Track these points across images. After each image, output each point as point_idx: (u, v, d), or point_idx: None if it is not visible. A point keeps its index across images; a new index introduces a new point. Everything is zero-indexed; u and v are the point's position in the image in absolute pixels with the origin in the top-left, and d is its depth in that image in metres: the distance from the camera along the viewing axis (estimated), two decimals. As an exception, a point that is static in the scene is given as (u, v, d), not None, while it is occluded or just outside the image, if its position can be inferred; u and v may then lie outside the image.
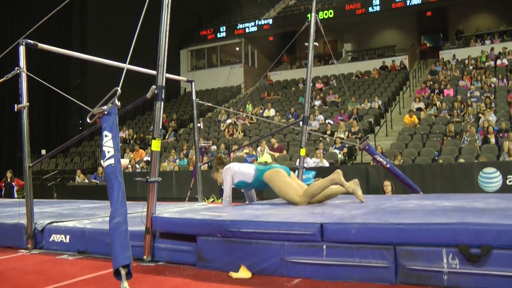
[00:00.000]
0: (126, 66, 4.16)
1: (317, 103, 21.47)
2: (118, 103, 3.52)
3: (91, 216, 5.55)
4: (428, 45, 30.63)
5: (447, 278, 2.97)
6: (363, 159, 15.38)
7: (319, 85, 24.50)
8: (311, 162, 14.40)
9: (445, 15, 29.66)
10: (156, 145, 4.08)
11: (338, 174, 4.94)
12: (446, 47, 27.33)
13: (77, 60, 22.91)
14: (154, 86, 4.02)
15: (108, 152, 3.34)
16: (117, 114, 3.56)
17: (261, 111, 22.27)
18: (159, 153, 4.13)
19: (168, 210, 5.50)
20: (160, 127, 4.17)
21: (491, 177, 11.93)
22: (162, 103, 4.13)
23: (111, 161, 3.30)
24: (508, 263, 2.86)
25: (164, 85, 4.14)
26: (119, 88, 3.45)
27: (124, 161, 17.35)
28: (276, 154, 16.41)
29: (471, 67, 22.40)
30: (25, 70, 4.94)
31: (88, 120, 3.52)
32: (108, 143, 3.37)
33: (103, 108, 3.52)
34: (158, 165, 4.15)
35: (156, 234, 4.08)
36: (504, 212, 3.67)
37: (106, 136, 3.42)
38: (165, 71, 4.18)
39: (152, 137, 4.09)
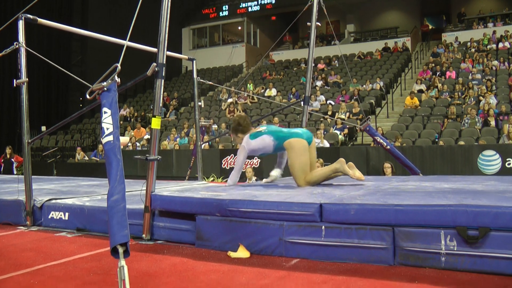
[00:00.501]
0: (126, 43, 4.12)
1: (319, 83, 21.39)
2: (118, 80, 3.48)
3: (90, 193, 5.55)
4: (430, 27, 30.41)
5: (445, 259, 2.98)
6: (363, 140, 15.36)
7: (321, 66, 24.39)
8: (311, 142, 14.37)
9: (448, -4, 29.50)
10: (156, 123, 4.05)
11: (341, 163, 4.92)
12: (449, 29, 27.15)
13: (78, 36, 22.75)
14: (154, 64, 3.98)
15: (107, 128, 3.31)
16: (116, 91, 3.52)
17: (262, 90, 22.21)
18: (160, 131, 4.11)
19: (168, 189, 5.50)
20: (161, 105, 4.13)
21: (491, 160, 11.93)
22: (163, 81, 4.09)
23: (110, 137, 3.27)
24: (506, 245, 2.86)
25: (164, 62, 4.10)
26: (118, 65, 3.41)
27: (124, 139, 17.35)
28: (277, 134, 16.38)
29: (473, 50, 22.30)
30: (24, 45, 4.90)
31: (88, 96, 3.49)
32: (107, 120, 3.34)
33: (103, 84, 3.48)
34: (158, 144, 4.13)
35: (155, 212, 4.07)
36: (502, 195, 3.68)
37: (105, 112, 3.38)
38: (165, 48, 4.14)
39: (152, 115, 4.06)
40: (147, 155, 3.99)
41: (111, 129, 3.30)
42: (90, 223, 4.45)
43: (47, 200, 4.86)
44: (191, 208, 3.82)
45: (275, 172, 5.63)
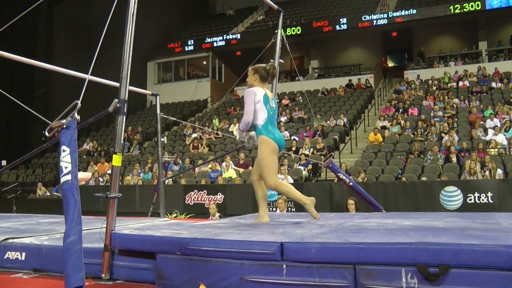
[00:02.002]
0: (88, 77, 4.10)
1: (283, 119, 21.58)
2: (78, 117, 3.46)
3: (49, 231, 5.41)
4: (390, 64, 31.13)
5: (406, 297, 2.99)
6: (327, 176, 15.49)
7: (285, 101, 24.65)
8: (275, 178, 14.41)
9: (410, 36, 30.36)
10: (117, 160, 4.02)
11: (311, 203, 4.91)
12: (411, 67, 27.88)
13: (42, 68, 22.47)
14: (116, 100, 3.96)
15: (66, 167, 3.27)
16: (76, 128, 3.49)
17: (227, 125, 22.28)
18: (123, 166, 4.07)
19: (129, 226, 5.42)
20: (122, 141, 4.10)
21: (452, 196, 12.16)
22: (124, 117, 4.08)
23: (68, 177, 3.23)
24: (465, 282, 2.89)
25: (126, 98, 4.08)
26: (79, 102, 3.39)
27: (87, 174, 17.12)
28: (241, 170, 16.42)
29: (434, 88, 22.91)
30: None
31: (47, 134, 3.45)
32: (65, 158, 3.30)
33: (62, 121, 3.45)
34: (119, 180, 4.09)
35: (115, 251, 4.01)
36: (462, 232, 3.73)
37: (64, 151, 3.34)
38: (128, 84, 4.13)
39: (113, 152, 4.03)
40: (108, 192, 3.94)
41: (69, 168, 3.26)
42: (48, 263, 4.32)
43: (3, 240, 4.73)
44: (151, 246, 3.77)
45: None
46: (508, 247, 2.84)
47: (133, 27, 4.09)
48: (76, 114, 3.43)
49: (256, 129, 4.99)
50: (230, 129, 5.04)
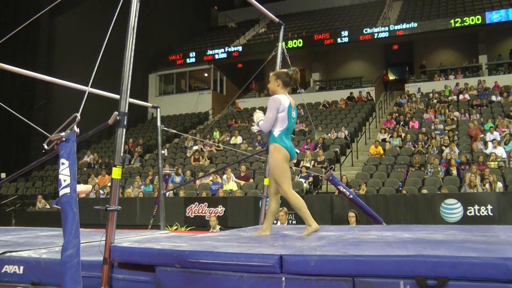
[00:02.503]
0: (88, 89, 4.11)
1: (254, 128, 21.53)
2: (77, 130, 3.47)
3: (48, 245, 5.39)
4: (390, 77, 31.21)
5: (405, 309, 3.00)
6: (328, 189, 15.49)
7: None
8: (276, 190, 14.41)
9: (411, 49, 30.48)
10: (116, 172, 4.02)
11: (315, 229, 4.85)
12: (412, 80, 27.97)
13: (42, 80, 22.49)
14: (116, 112, 3.98)
15: (64, 180, 3.27)
16: (75, 141, 3.50)
17: (228, 138, 22.30)
18: (124, 179, 4.08)
19: (129, 239, 5.42)
20: (122, 154, 4.11)
21: (453, 208, 12.17)
22: (124, 130, 4.09)
23: (67, 190, 3.24)
24: (464, 294, 2.90)
25: (126, 111, 4.09)
26: (78, 115, 3.41)
27: (87, 187, 17.12)
28: (242, 182, 16.43)
29: (435, 101, 22.96)
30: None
31: (46, 147, 3.46)
32: (64, 171, 3.31)
33: (61, 134, 3.46)
34: (119, 193, 4.10)
35: (114, 264, 4.00)
36: (461, 244, 3.74)
37: (62, 164, 3.35)
38: (128, 96, 4.14)
39: (113, 165, 4.04)
40: (107, 205, 3.95)
41: (68, 181, 3.27)
42: (47, 277, 4.31)
43: (1, 254, 4.71)
44: (150, 259, 3.77)
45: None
46: (506, 259, 2.85)
47: (134, 40, 4.11)
48: (75, 127, 3.45)
49: (271, 135, 4.94)
50: (255, 114, 4.96)
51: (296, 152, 17.72)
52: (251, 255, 3.44)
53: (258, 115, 5.10)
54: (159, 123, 7.80)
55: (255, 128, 5.12)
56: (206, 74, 31.91)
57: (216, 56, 30.53)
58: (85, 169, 22.01)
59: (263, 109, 22.90)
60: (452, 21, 25.86)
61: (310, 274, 3.24)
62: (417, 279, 2.99)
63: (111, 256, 3.94)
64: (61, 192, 3.25)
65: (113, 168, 4.01)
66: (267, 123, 4.89)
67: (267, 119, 4.89)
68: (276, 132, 4.90)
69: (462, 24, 25.58)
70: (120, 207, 3.99)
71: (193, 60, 31.24)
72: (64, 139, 3.47)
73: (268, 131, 4.93)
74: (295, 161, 16.80)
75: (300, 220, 5.09)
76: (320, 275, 3.22)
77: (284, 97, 4.92)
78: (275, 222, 12.46)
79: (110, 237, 3.97)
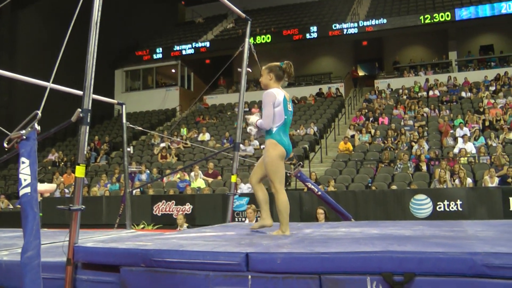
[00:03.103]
0: (49, 85, 4.05)
1: (250, 128, 21.58)
2: (38, 128, 3.42)
3: (10, 246, 5.30)
4: (359, 74, 31.44)
5: (371, 306, 3.04)
6: (297, 186, 15.56)
7: (255, 110, 24.68)
8: (245, 188, 14.47)
9: (380, 45, 30.72)
10: (80, 171, 3.98)
11: (285, 231, 4.81)
12: (381, 76, 28.24)
13: (4, 77, 22.05)
14: (79, 109, 3.93)
15: (25, 180, 3.22)
16: (36, 139, 3.45)
17: (195, 135, 22.23)
18: (89, 178, 4.04)
19: (94, 239, 5.37)
20: (86, 152, 4.07)
21: (422, 204, 12.34)
22: (88, 127, 4.04)
23: (27, 189, 3.19)
24: (431, 289, 2.96)
25: (90, 108, 4.05)
26: (39, 112, 3.36)
27: (51, 186, 16.88)
28: (210, 180, 16.41)
29: (404, 97, 23.24)
30: None
31: (5, 145, 3.40)
32: (24, 170, 3.25)
33: (21, 132, 3.40)
34: (83, 192, 4.05)
35: (78, 265, 3.97)
36: (429, 240, 3.80)
37: (23, 162, 3.29)
38: (91, 93, 4.09)
39: (76, 163, 3.99)
40: (71, 205, 3.91)
41: (28, 180, 3.22)
42: (8, 279, 4.23)
43: (-40, 256, 4.63)
44: (115, 259, 3.75)
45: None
46: (472, 254, 2.91)
47: (97, 35, 4.07)
48: (36, 125, 3.40)
49: (268, 130, 4.85)
50: (248, 118, 4.85)
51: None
52: (217, 254, 3.45)
53: (252, 119, 4.97)
54: (124, 120, 7.72)
55: (253, 131, 5.00)
56: (173, 70, 31.72)
57: (184, 52, 30.35)
58: (49, 167, 21.69)
59: (231, 106, 22.95)
60: (421, 17, 26.19)
61: (277, 272, 3.26)
62: (384, 275, 3.03)
63: (74, 257, 3.90)
64: (21, 192, 3.20)
65: (77, 167, 3.96)
66: (267, 120, 4.80)
67: (266, 115, 4.79)
68: (274, 128, 4.82)
69: (432, 21, 25.92)
70: (84, 207, 3.95)
71: (160, 56, 31.03)
72: (24, 137, 3.42)
73: (269, 128, 4.82)
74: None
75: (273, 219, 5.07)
76: (286, 273, 3.24)
77: (278, 91, 4.86)
78: (243, 219, 12.50)
79: (74, 237, 3.93)
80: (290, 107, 4.96)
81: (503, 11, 24.89)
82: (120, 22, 27.32)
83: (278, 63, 4.97)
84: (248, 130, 5.03)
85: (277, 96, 4.80)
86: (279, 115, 4.81)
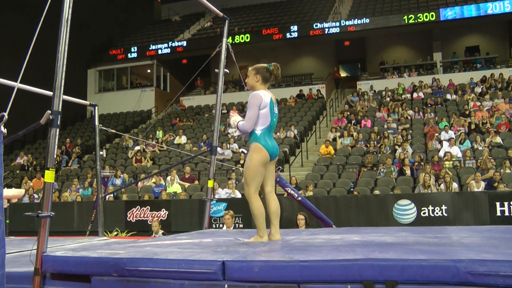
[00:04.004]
0: (17, 85, 4.01)
1: (231, 130, 21.54)
2: (4, 130, 3.38)
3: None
4: (341, 75, 31.57)
5: (352, 315, 3.05)
6: (277, 191, 15.51)
7: (233, 112, 24.62)
8: (222, 193, 14.44)
9: (363, 45, 30.84)
10: (49, 176, 3.94)
11: (264, 242, 4.77)
12: (364, 78, 28.37)
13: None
14: (49, 111, 3.89)
15: (-10, 185, 3.20)
16: (2, 143, 3.41)
17: (172, 138, 22.16)
18: (60, 182, 4.00)
19: (64, 247, 5.32)
20: (55, 156, 4.03)
21: (406, 209, 12.42)
22: (58, 130, 4.00)
23: (-8, 195, 3.17)
24: (414, 298, 2.97)
25: (60, 110, 4.00)
26: (5, 114, 3.32)
27: (19, 191, 16.65)
28: (187, 184, 16.36)
29: (388, 99, 23.35)
30: None
31: (-31, 149, 3.36)
32: (-10, 175, 3.23)
33: (-13, 135, 3.37)
34: (52, 198, 4.01)
35: (46, 275, 3.92)
36: (411, 247, 3.81)
37: (-13, 167, 3.27)
38: (62, 94, 4.05)
39: (46, 167, 3.95)
40: (39, 211, 3.86)
41: (-7, 186, 3.19)
42: (-27, 290, 4.21)
43: None
44: (85, 268, 3.71)
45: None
46: (456, 261, 2.92)
47: (68, 33, 4.03)
48: (2, 127, 3.36)
49: (253, 134, 4.83)
50: (230, 116, 4.81)
51: (243, 152, 17.63)
52: (192, 262, 3.44)
53: (234, 118, 4.99)
54: (97, 122, 7.67)
55: (233, 132, 5.04)
56: (148, 70, 31.56)
57: (159, 51, 30.19)
58: (18, 171, 21.42)
59: (209, 107, 22.89)
60: (405, 17, 26.39)
61: (254, 281, 3.25)
62: (365, 283, 3.04)
63: (42, 267, 3.85)
64: (-14, 198, 3.16)
65: (46, 171, 3.92)
66: (250, 122, 4.79)
67: (249, 117, 4.78)
68: (258, 131, 4.81)
69: (416, 21, 26.12)
70: (53, 214, 3.90)
71: (135, 55, 30.84)
72: (-11, 140, 3.38)
73: (251, 130, 4.82)
74: (242, 162, 16.83)
75: (247, 224, 5.08)
76: (264, 281, 3.23)
77: (265, 93, 4.83)
78: (221, 226, 12.48)
79: (42, 245, 3.89)
80: (276, 109, 4.96)
81: (489, 12, 25.16)
82: (93, 19, 27.17)
83: (265, 65, 4.95)
84: (229, 131, 5.04)
85: (263, 98, 4.78)
86: (265, 117, 4.80)
